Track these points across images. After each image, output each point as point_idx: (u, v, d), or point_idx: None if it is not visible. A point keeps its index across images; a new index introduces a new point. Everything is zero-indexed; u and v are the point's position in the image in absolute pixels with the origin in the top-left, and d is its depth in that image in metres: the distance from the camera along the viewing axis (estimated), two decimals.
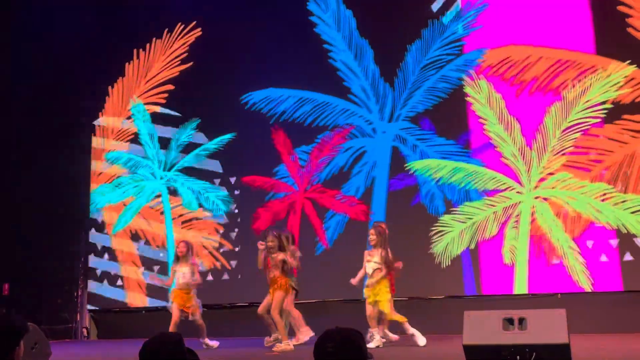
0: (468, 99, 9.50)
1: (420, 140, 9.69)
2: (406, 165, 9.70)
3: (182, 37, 11.63)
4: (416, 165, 9.64)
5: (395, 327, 7.79)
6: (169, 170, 11.23)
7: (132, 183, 11.44)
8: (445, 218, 9.34)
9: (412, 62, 9.95)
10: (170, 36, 11.73)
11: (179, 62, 11.57)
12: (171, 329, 7.89)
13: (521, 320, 5.01)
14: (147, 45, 11.88)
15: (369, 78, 10.11)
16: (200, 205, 10.87)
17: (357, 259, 9.44)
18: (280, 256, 7.68)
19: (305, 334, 7.97)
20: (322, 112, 10.28)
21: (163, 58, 11.71)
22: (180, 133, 11.27)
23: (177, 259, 8.33)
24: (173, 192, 11.12)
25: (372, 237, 7.62)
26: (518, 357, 4.92)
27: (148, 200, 11.26)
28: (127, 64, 11.93)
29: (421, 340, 7.26)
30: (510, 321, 5.03)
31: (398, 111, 9.90)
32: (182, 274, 8.25)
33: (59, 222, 11.42)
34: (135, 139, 11.63)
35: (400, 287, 8.21)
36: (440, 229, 9.34)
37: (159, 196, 11.18)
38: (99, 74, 12.01)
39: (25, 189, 11.36)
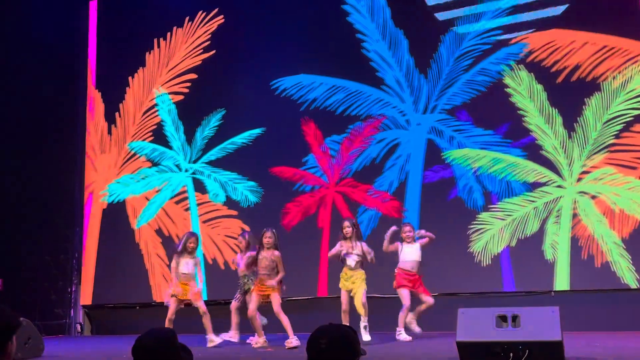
0: (508, 90, 9.25)
1: (458, 132, 9.45)
2: (443, 154, 9.44)
3: (203, 25, 11.35)
4: (454, 155, 9.39)
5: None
6: (195, 162, 10.97)
7: (157, 175, 11.19)
8: (484, 215, 9.11)
9: (446, 52, 9.69)
10: (191, 25, 11.45)
11: (201, 50, 11.31)
12: (166, 324, 7.71)
13: (514, 318, 5.06)
14: (168, 34, 11.60)
15: (403, 69, 9.85)
16: (228, 197, 10.60)
17: (392, 254, 9.30)
18: (277, 254, 7.52)
19: (234, 336, 8.22)
20: (355, 101, 10.02)
21: (185, 47, 11.44)
22: (205, 124, 11.00)
23: (184, 251, 8.10)
24: (199, 188, 10.83)
25: (348, 229, 7.54)
26: (511, 354, 4.94)
27: (173, 193, 11.00)
28: (147, 53, 11.66)
29: (365, 337, 7.23)
30: (503, 318, 5.07)
31: (433, 103, 9.65)
32: (185, 264, 8.03)
33: (53, 217, 11.32)
34: (157, 130, 11.37)
35: (435, 284, 8.14)
36: (479, 226, 9.11)
37: (184, 191, 10.91)
38: (119, 64, 11.72)
39: (18, 184, 11.27)
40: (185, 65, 11.37)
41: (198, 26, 11.39)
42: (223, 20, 11.21)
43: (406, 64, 9.85)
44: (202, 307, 7.92)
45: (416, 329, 7.58)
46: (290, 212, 10.11)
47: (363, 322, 7.41)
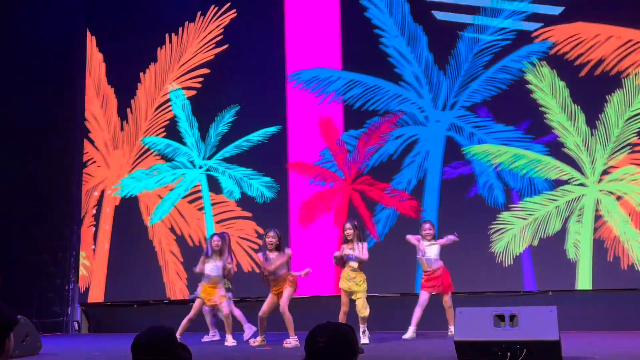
0: (529, 86, 9.12)
1: (478, 128, 9.33)
2: (463, 149, 9.31)
3: (215, 20, 11.21)
4: (474, 150, 9.27)
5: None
6: (209, 159, 10.84)
7: (170, 170, 11.06)
8: (505, 215, 9.00)
9: (464, 48, 9.56)
10: (203, 19, 11.31)
11: (213, 45, 11.17)
12: (184, 322, 7.81)
13: (512, 317, 5.08)
14: (180, 29, 11.45)
15: (422, 65, 9.72)
16: (243, 194, 10.47)
17: (411, 251, 9.19)
18: (288, 252, 7.50)
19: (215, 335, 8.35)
20: (373, 96, 9.89)
21: (197, 42, 11.30)
22: (218, 120, 10.88)
23: (211, 252, 8.08)
24: (213, 187, 10.69)
25: (350, 231, 7.47)
26: (509, 353, 4.96)
27: (187, 190, 10.88)
28: (159, 49, 11.52)
29: (363, 340, 7.18)
30: (501, 318, 5.10)
31: (452, 99, 9.52)
32: (213, 267, 7.99)
33: (51, 216, 11.24)
34: (170, 125, 11.23)
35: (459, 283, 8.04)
36: (500, 226, 8.99)
37: (197, 190, 10.76)
38: (131, 60, 11.60)
39: (16, 182, 11.17)
40: (198, 60, 11.23)
41: (210, 20, 11.25)
42: (235, 14, 11.06)
43: (425, 60, 9.72)
44: (225, 310, 7.87)
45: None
46: (306, 210, 9.98)
47: (362, 327, 7.31)
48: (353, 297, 7.35)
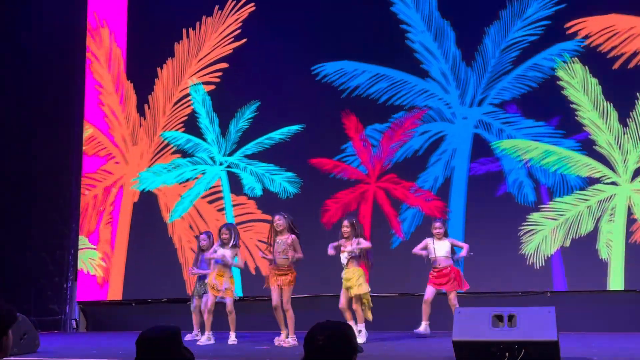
0: (560, 83, 8.96)
1: (507, 124, 9.16)
2: (492, 143, 9.14)
3: (234, 14, 11.03)
4: (503, 145, 9.10)
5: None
6: (229, 155, 10.69)
7: (190, 166, 10.91)
8: (535, 216, 8.83)
9: (491, 44, 9.39)
10: (221, 13, 11.14)
11: (232, 39, 10.99)
12: (206, 315, 7.90)
13: (510, 318, 5.09)
14: (197, 23, 11.28)
15: (449, 61, 9.55)
16: (265, 192, 10.31)
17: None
18: (293, 237, 7.40)
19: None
20: (399, 90, 9.71)
21: (215, 36, 11.14)
22: (239, 116, 10.72)
23: (222, 243, 8.00)
24: (234, 188, 10.52)
25: (346, 229, 7.43)
26: (507, 353, 4.96)
27: (207, 187, 10.73)
28: (176, 44, 11.35)
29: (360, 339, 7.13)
30: (499, 318, 5.11)
31: (479, 96, 9.36)
32: (222, 255, 7.91)
33: (49, 213, 11.13)
34: (188, 121, 11.08)
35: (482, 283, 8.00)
36: (530, 228, 8.84)
37: (218, 190, 10.59)
38: (148, 56, 11.44)
39: (14, 179, 11.08)
40: (216, 54, 11.07)
41: (228, 14, 11.08)
42: (254, 8, 10.89)
43: (452, 56, 9.55)
44: (228, 306, 7.79)
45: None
46: (330, 209, 9.82)
47: (357, 327, 7.20)
48: (350, 296, 7.32)
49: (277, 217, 7.52)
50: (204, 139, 10.87)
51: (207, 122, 10.90)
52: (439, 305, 7.74)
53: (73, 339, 9.93)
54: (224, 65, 10.96)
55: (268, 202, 10.19)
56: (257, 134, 10.54)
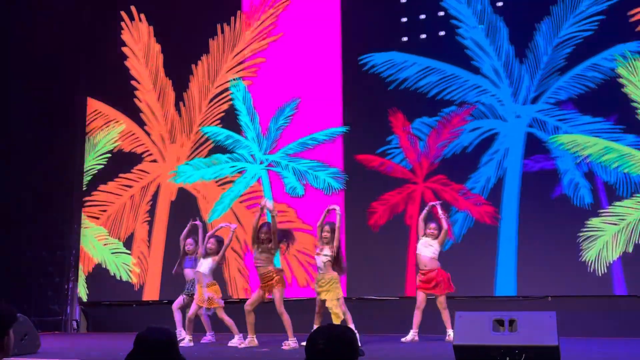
0: (621, 80, 8.68)
1: (563, 121, 8.88)
2: (549, 138, 8.86)
3: (269, 8, 10.77)
4: (561, 140, 8.81)
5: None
6: (270, 153, 10.45)
7: (230, 163, 10.67)
8: (594, 221, 8.55)
9: (542, 41, 9.12)
10: (256, 8, 10.88)
11: (267, 33, 10.76)
12: (187, 323, 8.04)
13: (511, 322, 5.11)
14: (232, 18, 11.04)
15: (502, 58, 9.28)
16: (306, 186, 10.03)
17: (489, 253, 8.87)
18: (273, 248, 7.48)
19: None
20: (450, 85, 9.43)
21: (250, 31, 10.89)
22: (278, 114, 10.47)
23: (205, 253, 8.16)
24: (275, 185, 10.27)
25: (327, 234, 7.42)
26: (507, 358, 4.99)
27: (247, 186, 10.50)
28: (210, 39, 11.10)
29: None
30: (500, 323, 5.13)
31: (532, 94, 9.09)
32: (200, 264, 8.10)
33: (50, 214, 11.13)
34: (225, 118, 10.84)
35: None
36: (590, 234, 8.57)
37: (258, 193, 10.35)
38: (183, 53, 11.22)
39: (15, 180, 11.06)
40: (252, 49, 10.83)
41: (263, 9, 10.82)
42: (290, 2, 10.63)
43: (505, 53, 9.27)
44: (218, 315, 8.01)
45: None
46: (377, 211, 9.58)
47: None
48: (322, 300, 7.31)
49: (265, 228, 7.55)
50: (245, 137, 10.65)
51: (248, 119, 10.67)
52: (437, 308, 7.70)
53: (74, 339, 9.96)
54: (261, 59, 10.72)
55: (310, 202, 9.97)
56: (298, 131, 10.30)
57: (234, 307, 9.54)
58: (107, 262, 11.13)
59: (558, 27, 9.13)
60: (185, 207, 10.80)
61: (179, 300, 8.73)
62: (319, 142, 10.11)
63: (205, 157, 10.82)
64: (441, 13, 9.59)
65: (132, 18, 11.62)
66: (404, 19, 9.85)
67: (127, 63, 11.56)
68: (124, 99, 11.47)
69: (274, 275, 7.42)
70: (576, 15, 9.11)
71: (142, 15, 11.57)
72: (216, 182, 10.70)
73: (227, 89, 10.91)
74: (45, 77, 11.44)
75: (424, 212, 7.95)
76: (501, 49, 9.29)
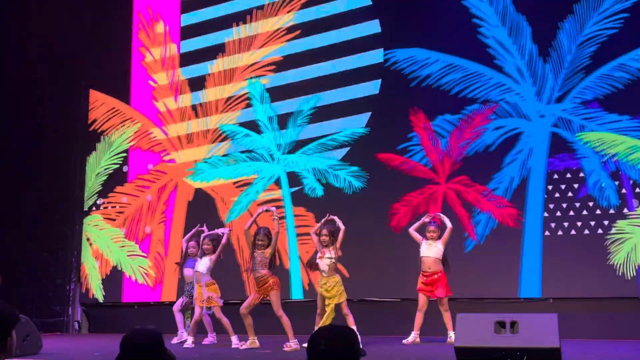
0: None
1: (588, 120, 8.76)
2: (576, 135, 8.74)
3: (285, 6, 10.68)
4: (587, 137, 8.68)
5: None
6: (289, 153, 10.36)
7: (248, 162, 10.58)
8: (621, 224, 8.42)
9: (566, 39, 9.01)
10: (272, 6, 10.79)
11: (285, 31, 10.67)
12: (191, 326, 8.09)
13: (513, 324, 5.10)
14: (248, 17, 10.95)
15: (525, 57, 9.17)
16: (325, 185, 9.94)
17: (512, 254, 8.77)
18: (268, 253, 7.55)
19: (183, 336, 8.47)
20: (474, 82, 9.30)
21: (267, 29, 10.80)
22: (297, 113, 10.38)
23: (202, 253, 8.28)
24: (294, 184, 10.18)
25: (325, 237, 7.52)
26: (509, 359, 4.99)
27: (265, 186, 10.41)
28: (226, 39, 11.01)
29: None
30: (502, 324, 5.12)
31: (556, 93, 8.99)
32: (198, 263, 8.21)
33: (52, 214, 11.16)
34: (242, 117, 10.76)
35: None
36: (618, 236, 8.45)
37: (277, 196, 10.26)
38: (199, 52, 11.14)
39: (17, 180, 11.08)
40: (269, 48, 10.74)
41: (280, 7, 10.73)
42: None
43: (529, 52, 9.16)
44: (216, 314, 8.04)
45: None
46: (398, 213, 9.48)
47: None
48: (327, 304, 7.36)
49: (261, 234, 7.66)
50: (263, 136, 10.56)
51: (266, 119, 10.58)
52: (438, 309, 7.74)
53: (75, 340, 10.01)
54: (278, 58, 10.63)
55: (328, 207, 9.82)
56: (317, 131, 10.20)
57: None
58: (122, 264, 11.05)
59: (582, 25, 9.02)
60: (202, 207, 10.73)
61: (180, 302, 8.80)
62: (339, 142, 10.01)
63: (223, 155, 10.72)
64: (464, 11, 9.47)
65: (148, 18, 11.54)
66: (427, 16, 9.74)
67: (143, 63, 11.48)
68: (140, 98, 11.39)
69: (269, 278, 7.49)
70: (600, 13, 8.99)
71: (159, 15, 11.49)
72: (234, 182, 10.61)
73: (244, 88, 10.83)
74: (51, 71, 11.45)
75: (417, 224, 8.02)
76: (524, 47, 9.19)
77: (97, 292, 11.09)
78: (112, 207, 11.29)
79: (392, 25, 9.90)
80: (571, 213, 8.68)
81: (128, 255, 11.05)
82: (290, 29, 10.64)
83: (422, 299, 7.73)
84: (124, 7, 11.72)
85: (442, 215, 8.05)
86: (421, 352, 7.05)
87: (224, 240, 8.30)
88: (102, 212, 11.31)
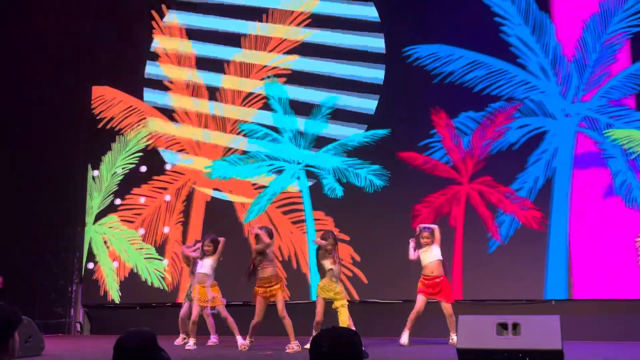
0: None
1: (615, 118, 8.65)
2: (603, 132, 8.63)
3: (302, 3, 10.56)
4: (615, 135, 8.58)
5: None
6: (307, 152, 10.25)
7: (267, 161, 10.48)
8: None
9: (590, 37, 8.90)
10: (288, 4, 10.68)
11: (301, 29, 10.55)
12: (190, 326, 8.08)
13: (515, 326, 5.11)
14: (264, 15, 10.83)
15: (549, 55, 9.05)
16: (345, 184, 9.83)
17: (538, 255, 8.66)
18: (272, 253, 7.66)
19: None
20: (498, 80, 9.19)
21: (283, 27, 10.68)
22: (315, 112, 10.26)
23: (202, 254, 8.30)
24: (314, 186, 10.07)
25: (330, 247, 7.53)
26: None
27: (285, 187, 10.30)
28: (242, 37, 10.90)
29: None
30: (504, 326, 5.13)
31: (582, 92, 8.87)
32: (201, 265, 8.20)
33: (55, 216, 11.04)
34: (259, 117, 10.64)
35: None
36: None
37: (295, 200, 10.15)
38: (212, 51, 11.02)
39: (19, 181, 10.97)
40: (285, 46, 10.63)
41: (296, 5, 10.61)
42: None
43: (553, 51, 9.04)
44: (222, 313, 8.08)
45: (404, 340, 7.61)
46: (420, 214, 9.36)
47: None
48: (333, 307, 7.38)
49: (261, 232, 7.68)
50: (282, 136, 10.45)
51: (284, 119, 10.47)
52: (440, 311, 7.72)
53: (77, 342, 9.98)
54: (295, 57, 10.51)
55: (347, 211, 9.74)
56: (337, 130, 10.08)
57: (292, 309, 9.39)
58: (138, 267, 10.97)
59: (606, 23, 8.91)
60: (220, 208, 10.62)
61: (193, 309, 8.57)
62: (360, 143, 9.90)
63: (242, 153, 10.63)
64: (485, 10, 9.36)
65: (163, 17, 11.43)
66: (450, 15, 9.63)
67: (159, 62, 11.37)
68: (155, 96, 11.29)
69: (273, 280, 7.53)
70: (625, 10, 8.90)
71: (174, 15, 11.38)
72: (252, 184, 10.50)
73: (260, 87, 10.72)
74: (60, 69, 11.32)
75: (411, 250, 7.93)
76: (548, 46, 9.07)
77: (114, 294, 11.00)
78: (129, 208, 11.19)
79: (413, 22, 9.80)
80: (597, 214, 8.56)
81: (145, 258, 10.95)
82: (306, 27, 10.50)
83: (421, 300, 7.68)
84: (139, 6, 11.60)
85: (422, 225, 8.05)
86: (423, 354, 7.06)
87: (221, 244, 8.31)
88: (119, 213, 11.21)
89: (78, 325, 11.07)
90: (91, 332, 11.11)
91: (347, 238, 9.54)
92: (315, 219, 9.99)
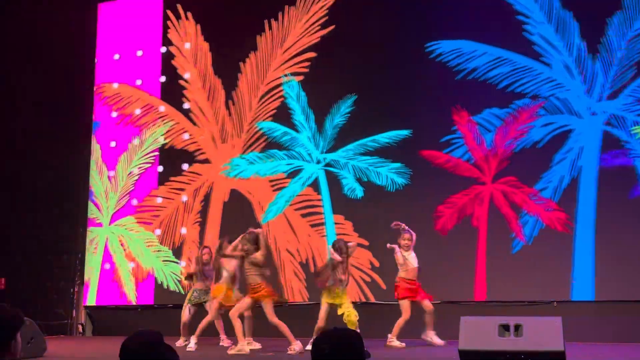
0: None
1: None
2: (631, 129, 8.49)
3: (318, 1, 10.44)
4: None
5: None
6: (326, 152, 10.14)
7: (286, 159, 10.36)
8: None
9: (615, 36, 8.78)
10: (305, 2, 10.56)
11: (318, 27, 10.43)
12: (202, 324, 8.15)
13: (517, 327, 5.08)
14: (279, 14, 10.71)
15: (574, 54, 8.93)
16: (366, 184, 9.71)
17: (561, 256, 8.56)
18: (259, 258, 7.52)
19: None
20: (523, 77, 9.06)
21: (300, 25, 10.56)
22: (334, 111, 10.15)
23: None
24: (333, 185, 9.96)
25: (342, 260, 7.54)
26: None
27: (303, 186, 10.19)
28: (258, 36, 10.78)
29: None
30: (506, 327, 5.09)
31: (607, 90, 8.76)
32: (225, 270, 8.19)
33: (56, 217, 11.13)
34: (276, 115, 10.54)
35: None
36: None
37: (314, 202, 10.05)
38: (230, 51, 10.92)
39: (23, 183, 11.05)
40: (302, 44, 10.52)
41: (312, 2, 10.50)
42: None
43: (577, 49, 8.93)
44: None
45: (439, 341, 7.57)
46: (443, 215, 9.26)
47: None
48: (339, 310, 7.39)
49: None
50: (300, 135, 10.35)
51: (303, 118, 10.36)
52: (440, 314, 7.77)
53: (79, 343, 10.00)
54: (312, 54, 10.40)
55: (366, 214, 9.63)
56: (355, 129, 9.97)
57: (293, 311, 9.32)
58: (155, 270, 10.86)
59: (631, 20, 8.79)
60: (238, 208, 10.52)
61: (190, 312, 8.61)
62: (381, 144, 9.78)
63: (261, 152, 10.52)
64: (508, 8, 9.24)
65: (178, 17, 11.32)
66: (471, 12, 9.51)
67: (174, 62, 11.27)
68: (172, 98, 11.19)
69: (262, 287, 7.43)
70: None
71: (189, 14, 11.27)
72: (271, 184, 10.39)
73: (277, 86, 10.62)
74: (70, 67, 11.31)
75: (397, 248, 7.82)
76: (572, 44, 8.95)
77: (131, 295, 10.90)
78: (146, 210, 11.08)
79: (436, 17, 9.67)
80: (624, 213, 8.45)
81: (162, 261, 10.85)
82: (324, 25, 10.39)
83: (409, 306, 7.63)
84: (154, 5, 11.50)
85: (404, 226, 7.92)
86: (425, 355, 7.04)
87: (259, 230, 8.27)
88: (136, 215, 11.10)
89: (80, 327, 11.08)
90: (93, 333, 11.10)
91: (366, 243, 9.43)
92: (334, 223, 9.87)
